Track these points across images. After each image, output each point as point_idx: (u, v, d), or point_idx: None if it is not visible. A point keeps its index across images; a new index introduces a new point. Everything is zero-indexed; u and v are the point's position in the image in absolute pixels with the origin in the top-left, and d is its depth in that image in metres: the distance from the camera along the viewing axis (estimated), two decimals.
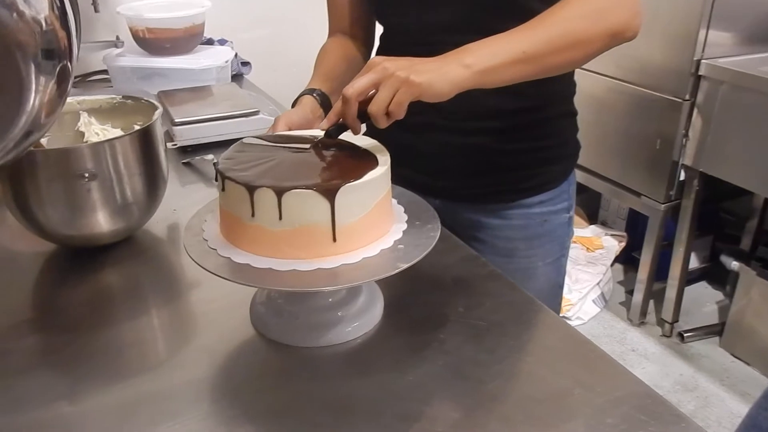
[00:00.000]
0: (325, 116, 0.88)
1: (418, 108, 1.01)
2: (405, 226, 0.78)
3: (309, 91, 0.98)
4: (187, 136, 1.31)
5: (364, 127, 0.81)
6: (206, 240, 0.75)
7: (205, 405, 0.69)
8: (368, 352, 0.77)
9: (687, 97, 2.09)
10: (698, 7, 1.98)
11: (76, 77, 1.03)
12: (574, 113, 1.10)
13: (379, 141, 0.81)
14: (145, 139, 0.92)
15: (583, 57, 0.84)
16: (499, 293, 0.86)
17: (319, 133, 0.81)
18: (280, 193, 0.69)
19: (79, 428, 0.67)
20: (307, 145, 0.80)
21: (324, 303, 0.79)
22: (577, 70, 1.01)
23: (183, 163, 1.29)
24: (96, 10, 1.63)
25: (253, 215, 0.71)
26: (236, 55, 1.87)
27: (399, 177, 0.83)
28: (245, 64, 1.94)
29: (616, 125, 2.32)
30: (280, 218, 0.70)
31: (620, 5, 0.83)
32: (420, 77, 0.74)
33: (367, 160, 0.77)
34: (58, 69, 0.61)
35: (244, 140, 0.82)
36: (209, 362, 0.76)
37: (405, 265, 0.70)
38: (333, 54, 1.10)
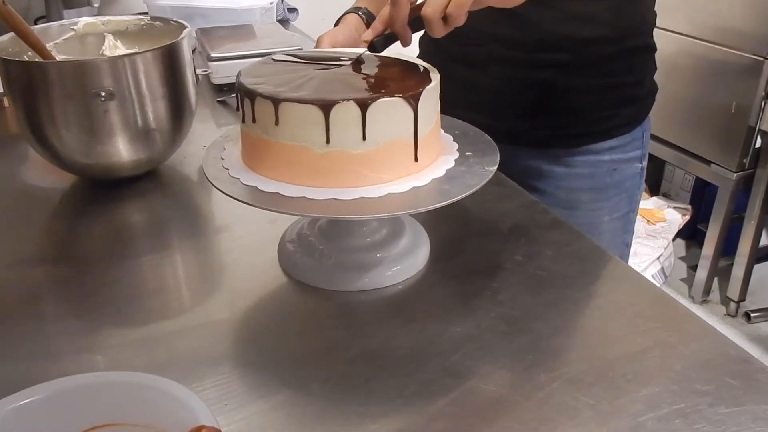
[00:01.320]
0: None
1: (479, 38, 0.90)
2: (456, 155, 0.67)
3: (354, 10, 0.88)
4: (223, 73, 1.22)
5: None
6: (227, 168, 0.66)
7: (223, 351, 0.60)
8: (410, 300, 0.66)
9: None
10: None
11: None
12: (653, 48, 0.97)
13: None
14: (170, 58, 0.83)
15: None
16: (562, 242, 0.75)
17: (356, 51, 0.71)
18: (364, 106, 0.58)
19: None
20: (347, 60, 0.69)
21: (361, 242, 0.69)
22: None
23: (218, 101, 1.20)
24: None
25: (328, 141, 0.59)
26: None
27: (453, 118, 0.73)
28: (292, 10, 1.84)
29: (686, 86, 2.14)
30: (364, 138, 0.59)
31: None
32: None
33: (417, 72, 0.67)
34: None
35: (271, 57, 0.72)
36: (230, 305, 0.67)
37: (461, 196, 0.60)
38: None
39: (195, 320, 0.66)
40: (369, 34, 0.69)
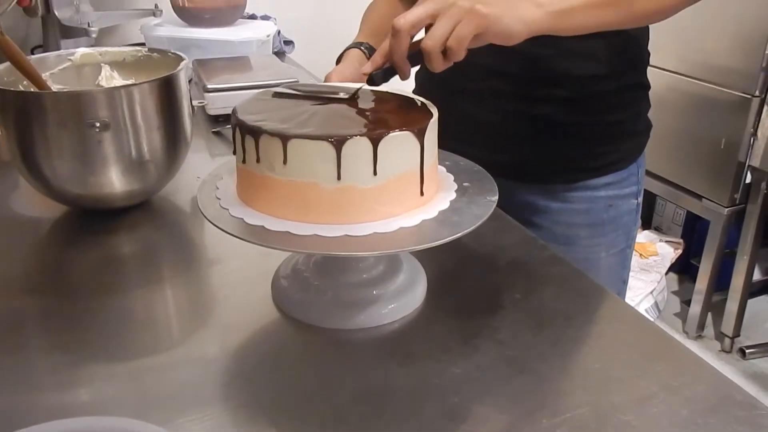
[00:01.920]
0: None
1: (478, 73, 0.90)
2: (455, 187, 0.67)
3: (356, 45, 0.87)
4: (219, 104, 1.21)
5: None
6: (226, 208, 0.64)
7: (212, 390, 0.59)
8: (407, 339, 0.65)
9: (756, 93, 1.93)
10: None
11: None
12: (648, 86, 0.98)
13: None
14: (166, 89, 0.82)
15: (674, 3, 0.71)
16: (561, 279, 0.74)
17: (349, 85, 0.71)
18: (376, 141, 0.58)
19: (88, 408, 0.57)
20: (344, 94, 0.69)
21: (357, 279, 0.68)
22: None
23: (213, 132, 1.19)
24: None
25: (339, 177, 0.58)
26: (279, 32, 1.78)
27: (450, 152, 0.73)
28: (288, 42, 1.85)
29: (677, 122, 2.16)
30: (375, 173, 0.59)
31: None
32: (487, 8, 0.62)
33: (417, 106, 0.66)
34: None
35: (265, 92, 0.71)
36: (222, 341, 0.66)
37: (473, 227, 0.60)
38: (380, 10, 0.99)
39: (184, 356, 0.64)
40: (368, 67, 0.69)
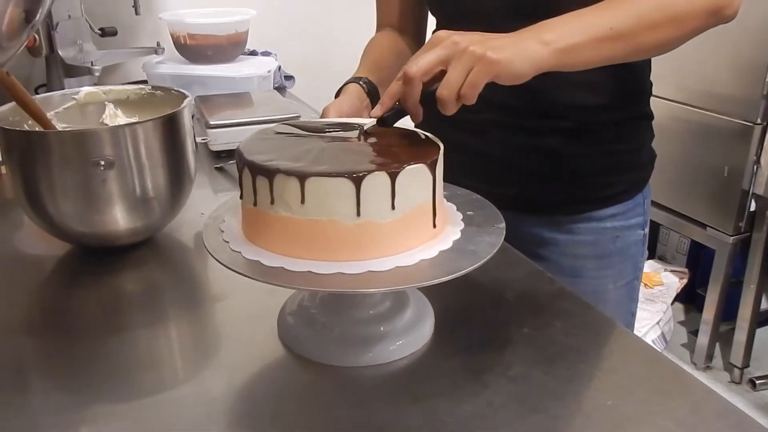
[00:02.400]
0: (373, 105, 0.77)
1: (480, 106, 0.90)
2: (461, 216, 0.68)
3: (355, 80, 0.88)
4: (222, 140, 1.22)
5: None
6: (238, 251, 0.62)
7: (218, 430, 0.57)
8: (416, 376, 0.64)
9: (758, 120, 1.94)
10: None
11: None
12: (651, 116, 0.98)
13: None
14: (170, 127, 0.82)
15: (677, 36, 0.72)
16: (571, 313, 0.73)
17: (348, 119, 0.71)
18: (393, 175, 0.58)
19: None
20: (353, 133, 0.69)
21: (365, 315, 0.67)
22: None
23: (216, 168, 1.20)
24: (137, 12, 1.56)
25: (359, 213, 0.58)
26: (279, 67, 1.79)
27: (454, 185, 0.73)
28: (289, 78, 1.86)
29: (679, 151, 2.16)
30: (393, 207, 0.59)
31: None
32: (498, 54, 0.63)
33: (421, 139, 0.68)
34: None
35: (267, 131, 0.70)
36: (228, 379, 0.65)
37: (491, 253, 0.60)
38: (381, 45, 0.99)
39: (189, 395, 0.63)
40: (378, 111, 0.68)
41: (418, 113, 0.67)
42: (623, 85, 0.90)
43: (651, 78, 0.96)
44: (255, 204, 0.61)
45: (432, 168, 0.61)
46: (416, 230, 0.62)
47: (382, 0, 1.05)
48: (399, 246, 0.60)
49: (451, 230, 0.65)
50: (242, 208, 0.65)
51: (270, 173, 0.59)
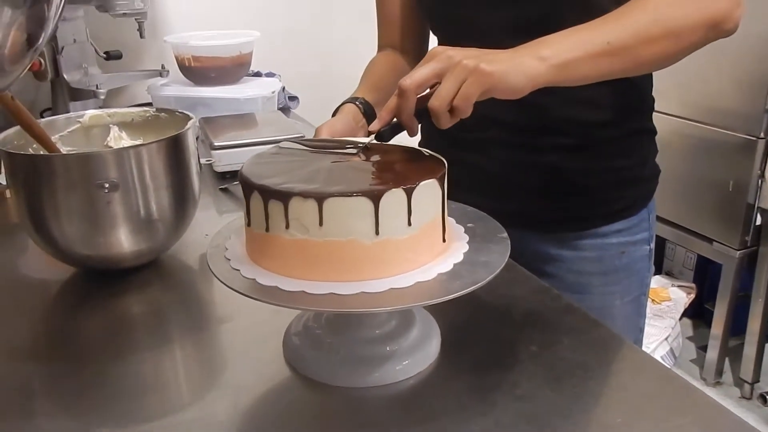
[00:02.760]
0: (369, 125, 0.78)
1: (482, 123, 0.91)
2: (463, 229, 0.69)
3: (352, 99, 0.88)
4: (226, 161, 1.22)
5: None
6: (252, 278, 0.61)
7: None
8: (424, 396, 0.63)
9: (761, 135, 1.94)
10: None
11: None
12: (654, 131, 0.98)
13: None
14: (175, 149, 0.83)
15: (676, 50, 0.72)
16: (578, 330, 0.72)
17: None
18: (409, 191, 0.58)
19: None
20: (353, 150, 0.69)
21: (370, 335, 0.67)
22: None
23: (221, 189, 1.20)
24: (142, 36, 1.58)
25: (378, 232, 0.58)
26: (284, 88, 1.80)
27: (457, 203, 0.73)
28: (293, 98, 1.87)
29: (684, 166, 2.16)
30: (410, 223, 0.59)
31: None
32: (491, 66, 0.63)
33: (425, 155, 0.68)
34: (28, 5, 0.51)
35: (262, 154, 0.69)
36: (234, 402, 0.64)
37: (499, 268, 0.60)
38: (381, 65, 1.00)
39: (195, 418, 0.62)
40: (376, 125, 0.69)
41: (413, 127, 0.68)
42: (625, 100, 0.90)
43: (653, 93, 0.96)
44: (267, 230, 0.60)
45: (441, 183, 0.62)
46: (429, 245, 0.62)
47: (384, 20, 1.06)
48: (415, 262, 0.61)
49: (458, 244, 0.66)
50: (250, 234, 0.64)
51: (285, 197, 0.57)
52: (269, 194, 0.59)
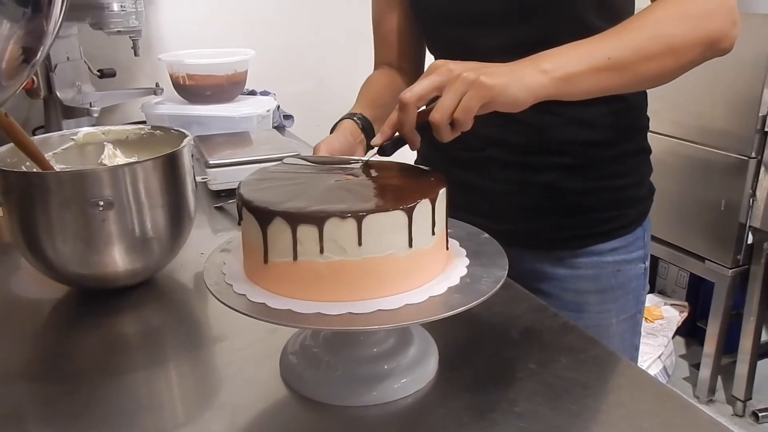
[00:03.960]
0: (367, 141, 0.78)
1: (479, 142, 0.91)
2: (458, 242, 0.70)
3: (350, 116, 0.88)
4: (221, 179, 1.22)
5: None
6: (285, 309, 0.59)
7: None
8: (422, 414, 0.63)
9: (753, 154, 1.95)
10: (763, 62, 1.87)
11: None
12: (649, 150, 0.98)
13: None
14: (170, 166, 0.83)
15: (674, 67, 0.72)
16: (576, 348, 0.72)
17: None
18: (433, 201, 0.61)
19: None
20: (355, 166, 0.69)
21: (368, 353, 0.66)
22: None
23: (216, 207, 1.19)
24: (136, 54, 1.58)
25: (411, 244, 0.59)
26: (278, 107, 1.80)
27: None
28: (288, 117, 1.88)
29: (676, 186, 2.17)
30: (433, 233, 0.62)
31: (718, 10, 0.72)
32: (492, 79, 0.63)
33: (425, 170, 0.69)
34: (26, 19, 0.51)
35: (262, 180, 0.68)
36: (230, 422, 0.63)
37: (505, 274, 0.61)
38: (378, 83, 1.00)
39: None
40: (378, 139, 0.69)
41: (414, 140, 0.68)
42: (622, 120, 0.91)
43: (648, 114, 0.97)
44: (295, 258, 0.58)
45: (448, 194, 0.64)
46: (442, 254, 0.65)
47: (381, 39, 1.06)
48: (436, 270, 0.63)
49: (457, 254, 0.67)
50: (266, 270, 0.60)
51: (319, 220, 0.56)
52: (298, 219, 0.57)
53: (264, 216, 0.58)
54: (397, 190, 0.65)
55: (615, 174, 0.93)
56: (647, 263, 1.00)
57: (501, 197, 0.94)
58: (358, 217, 0.56)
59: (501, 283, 0.61)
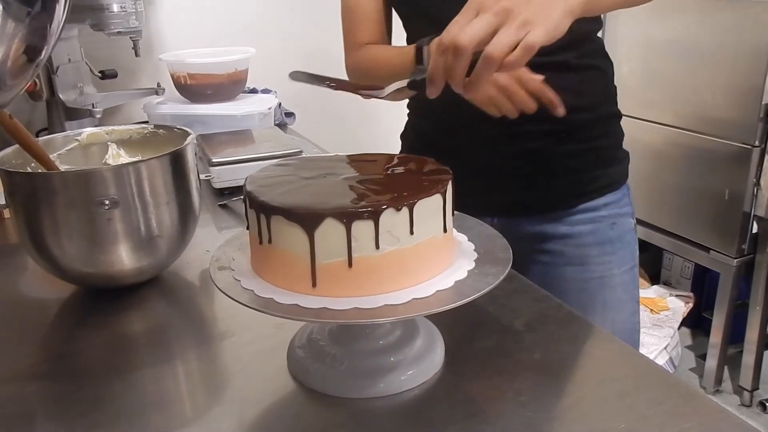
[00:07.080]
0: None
1: (462, 124, 0.97)
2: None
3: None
4: (225, 177, 1.22)
5: None
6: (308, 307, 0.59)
7: None
8: (429, 405, 0.63)
9: (756, 143, 1.95)
10: (764, 49, 1.86)
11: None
12: (620, 115, 1.06)
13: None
14: (175, 165, 0.83)
15: None
16: (580, 338, 0.73)
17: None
18: (444, 194, 0.62)
19: None
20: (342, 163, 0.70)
21: (374, 346, 0.67)
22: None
23: (219, 205, 1.20)
24: (137, 54, 1.58)
25: (445, 228, 0.62)
26: (280, 104, 1.81)
27: None
28: (289, 114, 1.88)
29: (678, 176, 2.17)
30: (445, 230, 0.63)
31: None
32: (545, 20, 0.60)
33: (425, 161, 0.69)
34: (30, 18, 0.51)
35: (265, 183, 0.65)
36: (239, 417, 0.64)
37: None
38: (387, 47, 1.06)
39: None
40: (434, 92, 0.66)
41: (463, 88, 0.64)
42: (597, 87, 1.00)
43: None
44: (350, 257, 0.56)
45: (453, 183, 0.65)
46: (452, 244, 0.66)
47: (363, 18, 1.08)
48: (445, 262, 0.64)
49: (463, 243, 0.68)
50: (315, 268, 0.58)
51: (374, 214, 0.55)
52: (352, 216, 0.55)
53: (311, 220, 0.56)
54: (412, 180, 0.64)
55: (594, 137, 1.01)
56: (635, 220, 1.07)
57: (489, 171, 1.00)
58: (410, 205, 0.57)
59: (505, 274, 0.61)
